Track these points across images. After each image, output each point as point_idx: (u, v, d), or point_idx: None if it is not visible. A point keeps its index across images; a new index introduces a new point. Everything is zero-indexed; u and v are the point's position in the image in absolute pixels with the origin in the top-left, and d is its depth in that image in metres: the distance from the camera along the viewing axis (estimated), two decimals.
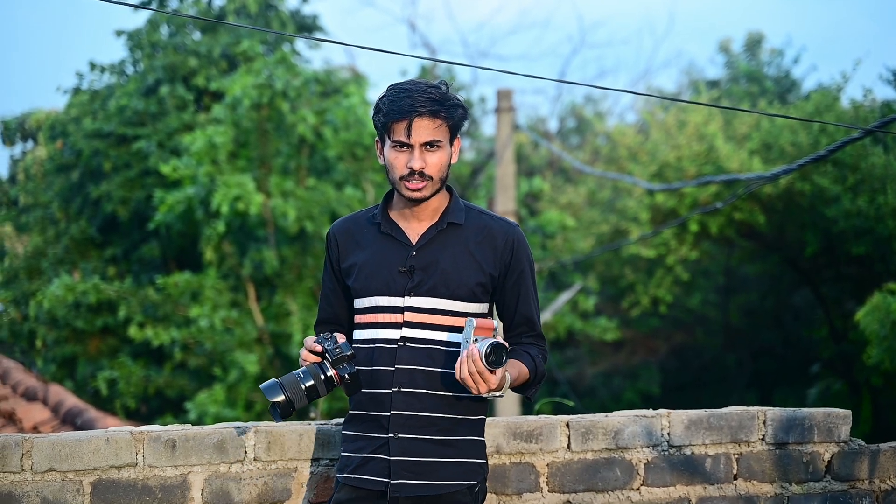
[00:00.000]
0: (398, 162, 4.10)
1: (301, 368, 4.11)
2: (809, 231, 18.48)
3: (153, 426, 4.70)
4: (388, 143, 4.13)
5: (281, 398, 4.05)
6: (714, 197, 18.28)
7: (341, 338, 4.15)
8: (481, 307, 4.21)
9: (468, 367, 3.89)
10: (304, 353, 4.15)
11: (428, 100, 4.04)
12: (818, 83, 23.30)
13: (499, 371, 3.88)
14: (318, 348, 4.10)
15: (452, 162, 4.16)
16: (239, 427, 4.69)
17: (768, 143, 18.46)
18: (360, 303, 4.28)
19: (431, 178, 4.09)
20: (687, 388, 25.38)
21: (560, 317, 22.13)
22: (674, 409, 5.25)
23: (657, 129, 21.16)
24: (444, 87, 4.12)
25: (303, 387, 4.06)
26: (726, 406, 5.35)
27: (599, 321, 22.78)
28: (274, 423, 4.75)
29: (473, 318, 3.96)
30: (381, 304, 4.21)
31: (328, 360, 4.08)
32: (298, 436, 4.72)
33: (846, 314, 19.12)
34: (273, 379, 4.11)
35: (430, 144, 4.07)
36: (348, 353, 4.08)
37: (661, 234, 19.59)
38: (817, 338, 21.01)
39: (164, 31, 25.21)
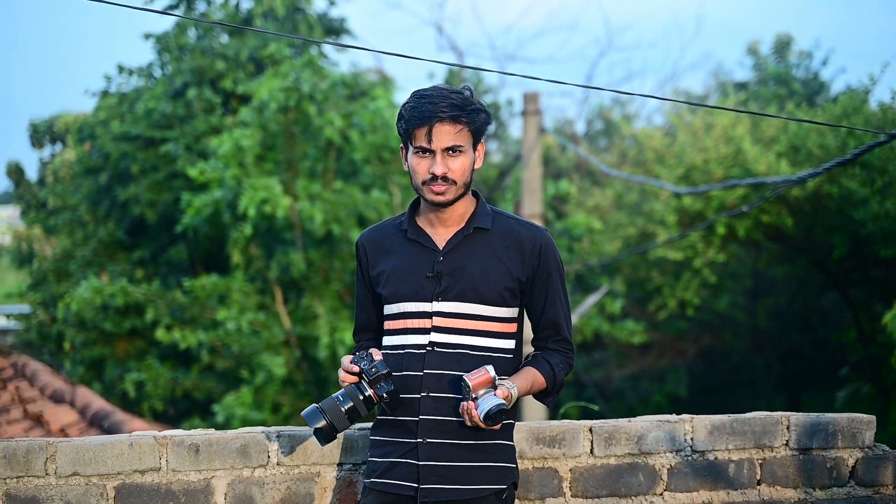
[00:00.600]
0: (420, 167, 4.12)
1: (340, 391, 4.14)
2: (837, 234, 18.39)
3: (176, 430, 4.70)
4: (410, 149, 4.16)
5: (322, 423, 4.09)
6: (741, 200, 18.23)
7: (377, 355, 4.16)
8: (510, 311, 4.20)
9: (466, 418, 4.00)
10: (342, 374, 4.18)
11: (449, 105, 4.04)
12: (847, 85, 23.22)
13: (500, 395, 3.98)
14: (355, 369, 4.13)
15: (477, 167, 4.16)
16: (262, 431, 4.71)
17: (796, 145, 18.39)
18: (388, 309, 4.29)
19: (455, 182, 4.09)
20: (715, 391, 25.31)
21: (587, 320, 22.09)
22: (701, 412, 5.24)
23: (684, 131, 21.10)
24: (466, 92, 4.13)
25: (342, 410, 4.10)
26: (754, 409, 5.33)
27: (626, 324, 22.72)
28: (297, 428, 4.76)
29: (468, 378, 3.97)
30: (410, 309, 4.23)
31: (365, 381, 4.10)
32: None
33: (874, 317, 19.01)
34: (313, 405, 4.14)
35: (452, 149, 4.07)
36: (384, 372, 4.09)
37: (689, 236, 19.54)
38: (845, 341, 20.91)
39: (192, 34, 25.29)
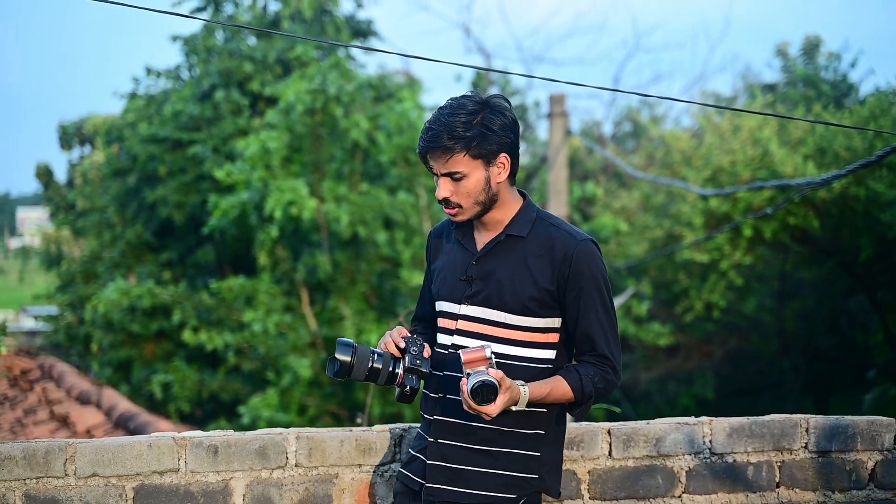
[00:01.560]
0: (437, 190, 4.16)
1: (380, 350, 4.16)
2: (864, 236, 18.32)
3: (195, 431, 4.72)
4: None
5: (347, 359, 4.10)
6: (768, 202, 18.17)
7: (427, 352, 4.18)
8: (539, 321, 4.13)
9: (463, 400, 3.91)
10: (388, 338, 4.22)
11: (442, 135, 4.01)
12: (875, 87, 23.14)
13: (499, 400, 3.84)
14: (402, 346, 4.17)
15: (498, 180, 4.10)
16: (280, 433, 4.72)
17: (823, 147, 18.32)
18: (435, 306, 4.34)
19: (461, 205, 4.10)
20: (743, 394, 25.23)
21: None
22: (729, 414, 5.23)
23: (712, 133, 21.05)
24: (482, 111, 4.06)
25: (369, 364, 4.11)
26: (782, 412, 5.33)
27: (653, 326, 22.66)
28: (315, 430, 4.78)
29: (461, 351, 3.92)
30: (444, 309, 4.26)
31: (404, 364, 4.13)
32: (339, 442, 4.74)
33: None
34: (351, 340, 4.17)
35: (451, 175, 4.07)
36: (424, 371, 4.13)
37: (715, 238, 19.48)
38: (873, 343, 20.81)
39: (220, 36, 25.35)
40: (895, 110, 17.89)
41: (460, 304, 4.19)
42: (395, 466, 4.80)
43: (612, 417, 18.41)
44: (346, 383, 20.14)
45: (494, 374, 3.85)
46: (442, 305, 4.26)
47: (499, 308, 4.11)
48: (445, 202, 4.11)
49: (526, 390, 3.97)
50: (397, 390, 4.17)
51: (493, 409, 3.84)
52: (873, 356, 20.89)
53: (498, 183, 4.10)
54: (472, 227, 4.27)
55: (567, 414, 4.23)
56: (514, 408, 3.95)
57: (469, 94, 4.16)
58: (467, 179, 4.06)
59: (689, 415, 4.83)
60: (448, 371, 4.16)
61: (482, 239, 4.23)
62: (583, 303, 4.08)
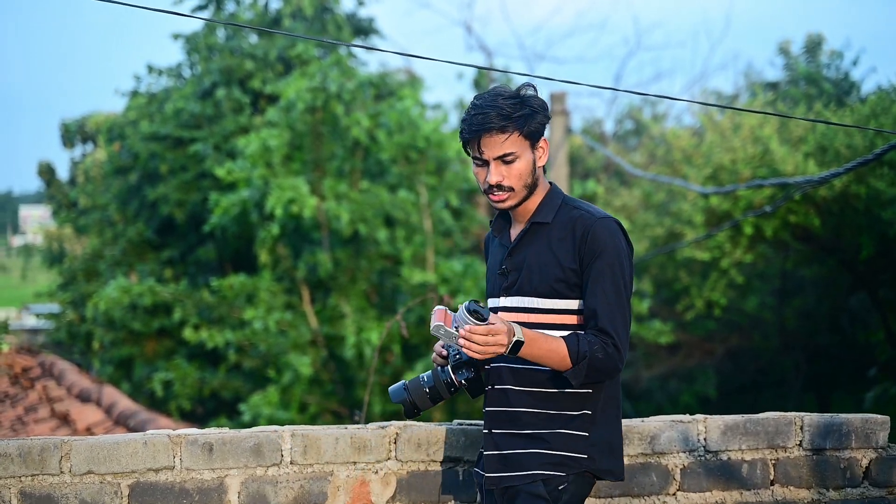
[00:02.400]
0: (480, 177, 4.20)
1: (427, 372, 4.31)
2: (865, 234, 18.30)
3: (191, 429, 4.74)
4: (472, 159, 4.23)
5: (405, 399, 4.27)
6: (768, 200, 18.16)
7: (471, 374, 4.27)
8: (567, 303, 4.17)
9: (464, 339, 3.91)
10: (434, 354, 4.37)
11: (495, 116, 4.08)
12: (877, 85, 23.12)
13: (490, 318, 3.90)
14: (444, 353, 4.31)
15: (541, 164, 4.20)
16: (275, 430, 4.74)
17: (823, 145, 18.30)
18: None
19: (513, 188, 4.15)
20: (744, 392, 25.23)
21: None
22: (731, 412, 5.25)
23: (712, 131, 21.03)
24: (529, 91, 4.19)
25: (425, 390, 4.26)
26: (784, 409, 5.34)
27: (654, 324, 22.64)
28: (310, 427, 4.81)
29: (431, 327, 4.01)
30: (490, 304, 4.35)
31: (449, 365, 4.25)
32: (335, 439, 4.76)
33: None
34: (402, 382, 4.32)
35: (504, 157, 4.12)
36: (466, 360, 4.22)
37: (716, 237, 19.48)
38: (874, 341, 20.80)
39: (221, 34, 25.35)
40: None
41: (499, 296, 4.29)
42: (391, 464, 4.82)
43: None
44: (345, 382, 20.16)
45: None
46: (489, 302, 4.36)
47: (530, 294, 4.19)
48: (497, 187, 4.15)
49: (520, 330, 3.97)
50: (465, 390, 4.29)
51: (496, 328, 3.88)
52: (874, 354, 20.89)
53: (540, 167, 4.21)
54: (509, 223, 4.35)
55: (620, 400, 4.27)
56: (514, 339, 3.94)
57: (496, 87, 4.26)
58: (519, 161, 4.14)
59: (690, 413, 4.83)
60: (494, 362, 4.24)
61: (515, 232, 4.32)
62: (593, 277, 4.12)
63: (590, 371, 4.06)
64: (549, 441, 4.14)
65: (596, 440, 4.18)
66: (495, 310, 4.26)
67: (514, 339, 3.94)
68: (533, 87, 4.22)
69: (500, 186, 4.13)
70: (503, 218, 4.37)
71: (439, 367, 4.28)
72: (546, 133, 4.24)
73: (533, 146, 4.16)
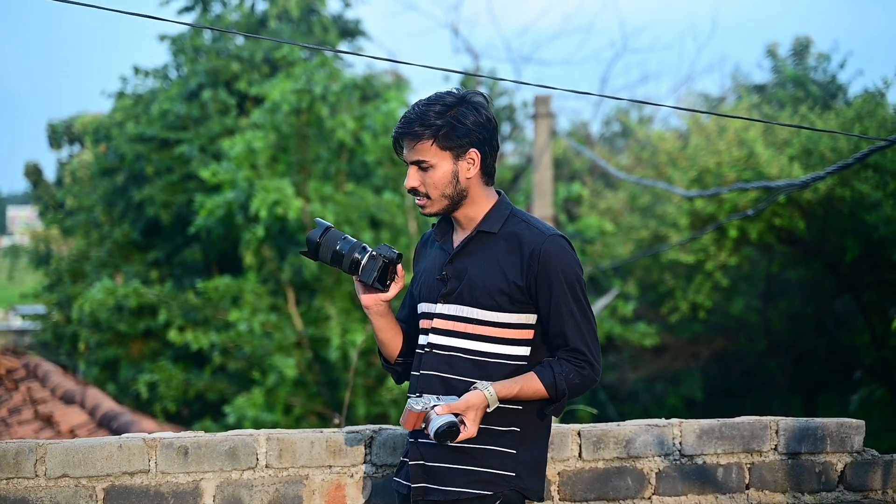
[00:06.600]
0: (406, 179, 4.20)
1: (353, 239, 4.17)
2: (850, 237, 18.36)
3: (166, 433, 4.74)
4: None
5: (315, 238, 4.16)
6: (753, 203, 18.21)
7: (394, 253, 4.21)
8: (513, 317, 4.12)
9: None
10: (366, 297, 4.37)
11: (416, 122, 4.09)
12: (864, 88, 23.18)
13: (469, 424, 3.97)
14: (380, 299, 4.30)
15: (468, 176, 4.13)
16: (251, 434, 4.74)
17: (808, 148, 18.35)
18: (417, 309, 4.38)
19: (429, 196, 4.14)
20: (730, 394, 25.27)
21: (599, 322, 22.07)
22: (717, 414, 5.27)
23: (698, 134, 21.08)
24: (460, 103, 4.13)
25: (336, 247, 4.14)
26: (770, 412, 5.37)
27: (639, 326, 22.67)
28: (286, 431, 4.80)
29: (401, 420, 4.03)
30: (423, 310, 4.29)
31: (369, 251, 4.15)
32: (310, 443, 4.76)
33: (887, 321, 18.98)
34: (329, 225, 4.21)
35: (420, 164, 4.12)
36: (389, 256, 4.17)
37: (700, 239, 19.53)
38: (859, 344, 20.86)
39: (207, 35, 25.33)
40: (881, 112, 17.93)
41: (436, 302, 4.21)
42: (366, 468, 4.82)
43: (598, 418, 18.42)
44: (330, 384, 20.15)
45: (442, 411, 3.93)
46: (421, 307, 4.29)
47: (471, 304, 4.12)
48: (414, 192, 4.16)
49: (491, 390, 3.99)
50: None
51: (470, 431, 3.96)
52: (860, 357, 20.94)
53: (468, 178, 4.14)
54: (452, 229, 4.29)
55: (551, 416, 4.21)
56: (488, 409, 3.99)
57: (453, 89, 4.20)
58: (434, 170, 4.11)
59: (677, 415, 4.83)
60: (424, 370, 4.18)
61: (458, 238, 4.25)
62: (554, 298, 4.08)
63: (571, 398, 4.11)
64: (477, 457, 4.10)
65: (524, 458, 4.16)
66: (431, 315, 4.22)
67: (488, 406, 4.01)
68: (483, 95, 4.18)
69: (415, 192, 4.15)
70: (446, 222, 4.32)
71: (361, 248, 4.14)
72: (490, 143, 4.17)
73: (456, 157, 4.11)
